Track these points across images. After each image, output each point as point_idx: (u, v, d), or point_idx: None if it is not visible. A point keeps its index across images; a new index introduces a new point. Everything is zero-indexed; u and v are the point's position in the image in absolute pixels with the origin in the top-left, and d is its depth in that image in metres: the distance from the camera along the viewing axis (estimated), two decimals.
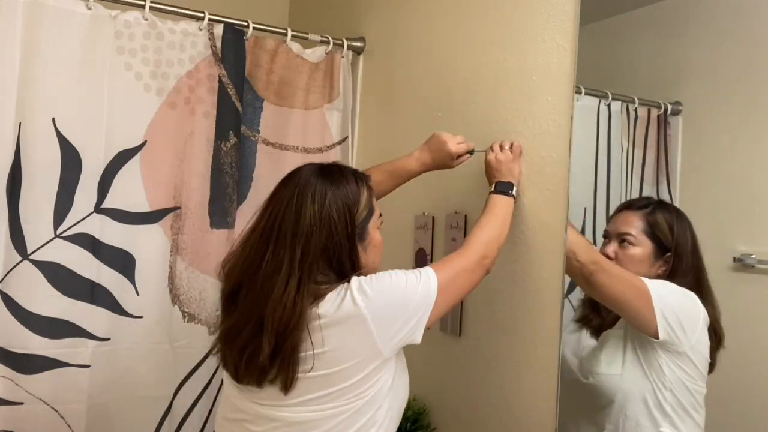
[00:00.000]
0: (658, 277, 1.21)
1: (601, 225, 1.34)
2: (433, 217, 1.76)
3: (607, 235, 1.31)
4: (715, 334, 1.13)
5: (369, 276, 1.11)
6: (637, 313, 1.20)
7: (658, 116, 1.26)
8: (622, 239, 1.26)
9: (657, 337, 1.16)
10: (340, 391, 1.07)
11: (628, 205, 1.28)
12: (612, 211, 1.32)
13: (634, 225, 1.25)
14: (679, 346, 1.16)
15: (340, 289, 1.09)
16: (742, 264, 1.10)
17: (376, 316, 1.07)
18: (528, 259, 1.44)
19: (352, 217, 1.14)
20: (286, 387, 1.07)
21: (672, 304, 1.18)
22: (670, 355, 1.16)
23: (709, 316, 1.14)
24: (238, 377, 1.12)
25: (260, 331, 1.07)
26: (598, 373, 1.28)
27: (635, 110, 1.30)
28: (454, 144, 1.46)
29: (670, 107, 1.23)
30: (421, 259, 1.79)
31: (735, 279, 1.11)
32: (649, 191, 1.27)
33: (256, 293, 1.09)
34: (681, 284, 1.19)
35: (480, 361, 1.57)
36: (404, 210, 1.83)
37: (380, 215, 1.23)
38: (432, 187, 1.72)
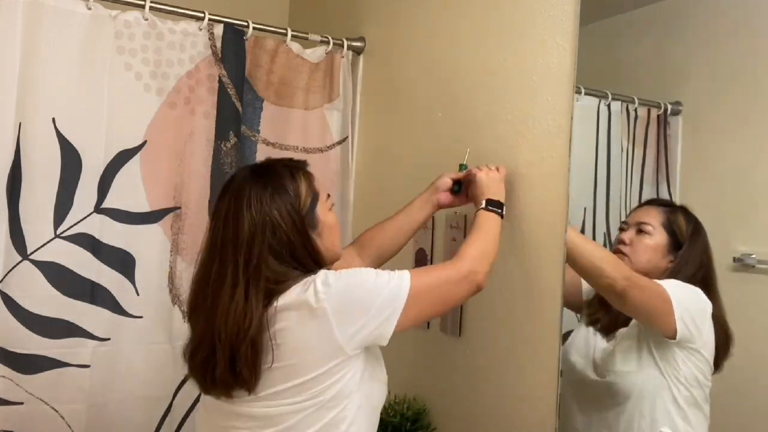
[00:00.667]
0: (666, 269, 1.22)
1: (601, 224, 1.34)
2: (433, 217, 1.76)
3: (624, 225, 1.31)
4: (726, 335, 1.13)
5: (339, 271, 1.11)
6: (659, 320, 1.21)
7: (658, 116, 1.26)
8: (640, 228, 1.27)
9: (674, 338, 1.17)
10: (302, 384, 1.07)
11: (653, 201, 1.29)
12: (612, 211, 1.33)
13: (655, 217, 1.25)
14: (694, 342, 1.17)
15: (306, 281, 1.08)
16: (742, 264, 1.10)
17: (336, 309, 1.06)
18: (528, 259, 1.44)
19: (297, 211, 1.12)
20: (250, 388, 1.07)
21: (687, 305, 1.19)
22: (685, 351, 1.17)
23: (718, 318, 1.14)
24: (207, 391, 1.13)
25: (214, 348, 1.07)
26: (614, 371, 1.29)
27: (635, 110, 1.30)
28: (449, 174, 1.48)
29: (670, 107, 1.23)
30: (421, 259, 1.79)
31: (735, 279, 1.11)
32: (649, 191, 1.27)
33: (206, 309, 1.10)
34: (686, 281, 1.20)
35: (480, 361, 1.57)
36: None
37: (328, 196, 1.21)
38: None
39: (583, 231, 1.36)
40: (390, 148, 1.94)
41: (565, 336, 1.37)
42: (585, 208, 1.36)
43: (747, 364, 1.10)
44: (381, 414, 1.24)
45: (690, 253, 1.21)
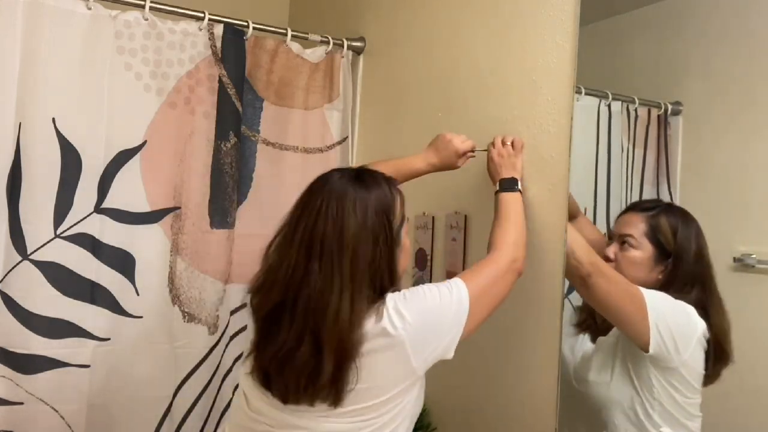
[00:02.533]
0: (657, 281, 1.19)
1: (601, 225, 1.34)
2: (433, 217, 1.76)
3: (611, 236, 1.29)
4: (722, 350, 1.10)
5: (402, 293, 1.09)
6: (630, 322, 1.18)
7: (658, 116, 1.26)
8: (623, 241, 1.24)
9: (647, 350, 1.14)
10: (370, 407, 1.07)
11: (634, 206, 1.26)
12: (612, 211, 1.32)
13: (637, 227, 1.23)
14: (670, 362, 1.14)
15: (378, 308, 1.06)
16: (742, 264, 1.09)
17: (413, 338, 1.05)
18: (528, 259, 1.43)
19: (390, 225, 1.11)
20: (337, 402, 1.04)
21: (668, 318, 1.15)
22: (660, 369, 1.14)
23: (716, 329, 1.11)
24: (289, 399, 1.07)
25: (318, 352, 1.03)
26: (588, 381, 1.27)
27: (635, 110, 1.30)
28: (459, 142, 1.46)
29: (670, 107, 1.23)
30: (421, 259, 1.79)
31: (735, 279, 1.11)
32: (649, 191, 1.27)
33: (308, 311, 1.04)
34: (681, 292, 1.16)
35: (480, 361, 1.57)
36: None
37: (408, 220, 1.20)
38: (432, 187, 1.71)
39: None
40: (390, 148, 1.94)
41: None
42: (585, 208, 1.36)
43: (748, 364, 1.10)
44: None
45: (679, 263, 1.18)
